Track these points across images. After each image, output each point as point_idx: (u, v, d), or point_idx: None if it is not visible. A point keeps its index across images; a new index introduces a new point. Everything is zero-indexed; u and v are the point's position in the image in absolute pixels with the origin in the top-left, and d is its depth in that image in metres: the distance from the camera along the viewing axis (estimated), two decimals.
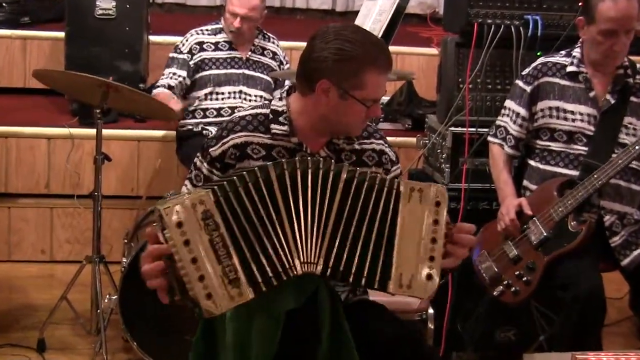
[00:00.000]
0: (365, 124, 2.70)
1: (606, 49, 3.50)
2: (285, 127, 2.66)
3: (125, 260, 3.97)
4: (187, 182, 2.74)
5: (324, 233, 2.39)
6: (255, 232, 2.33)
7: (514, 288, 3.54)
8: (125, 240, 4.15)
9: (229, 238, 2.30)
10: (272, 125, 2.67)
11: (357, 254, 2.40)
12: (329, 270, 2.39)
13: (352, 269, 2.39)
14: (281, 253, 2.35)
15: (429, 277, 2.40)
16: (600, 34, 3.48)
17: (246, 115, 2.70)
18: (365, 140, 2.75)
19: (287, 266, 2.35)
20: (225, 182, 2.33)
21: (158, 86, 4.72)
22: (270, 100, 2.76)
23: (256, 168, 2.37)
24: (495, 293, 3.59)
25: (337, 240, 2.39)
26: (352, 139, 2.73)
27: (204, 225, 2.28)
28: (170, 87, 4.69)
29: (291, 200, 2.38)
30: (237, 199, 2.32)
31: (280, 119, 2.67)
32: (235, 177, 2.35)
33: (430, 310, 3.55)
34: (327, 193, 2.40)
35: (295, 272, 2.36)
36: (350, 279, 2.41)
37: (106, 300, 3.99)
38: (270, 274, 2.33)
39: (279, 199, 2.37)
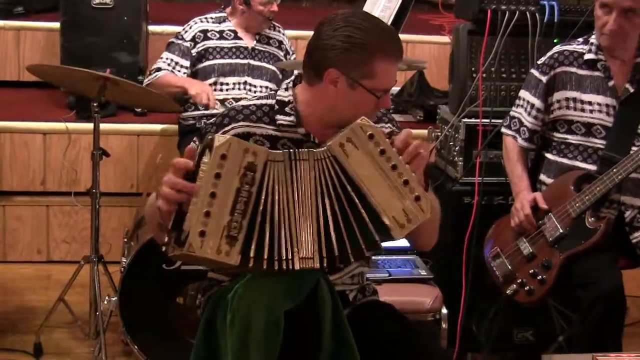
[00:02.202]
0: (375, 115, 2.64)
1: (601, 25, 3.46)
2: (292, 118, 2.59)
3: (124, 260, 3.92)
4: None
5: (311, 224, 2.35)
6: (278, 211, 2.32)
7: (528, 287, 3.49)
8: (125, 239, 4.12)
9: (254, 198, 2.29)
10: (278, 116, 2.60)
11: (344, 232, 2.35)
12: (325, 262, 2.35)
13: (347, 250, 2.36)
14: (285, 242, 2.33)
15: (417, 198, 2.37)
16: (599, 8, 3.44)
17: (250, 104, 2.64)
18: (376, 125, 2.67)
19: (286, 258, 2.32)
20: (281, 152, 2.34)
21: (160, 69, 4.61)
22: (275, 91, 2.72)
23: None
24: (508, 292, 3.54)
25: (322, 228, 2.35)
26: None
27: (242, 173, 2.28)
28: None
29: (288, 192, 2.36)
30: (278, 173, 2.33)
31: (286, 109, 2.60)
32: (289, 152, 2.35)
33: (444, 310, 3.60)
34: (307, 183, 2.37)
35: (292, 267, 2.32)
36: (351, 258, 2.38)
37: (105, 302, 3.94)
38: (265, 257, 2.30)
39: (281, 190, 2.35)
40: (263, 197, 2.30)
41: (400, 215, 2.35)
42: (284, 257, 2.31)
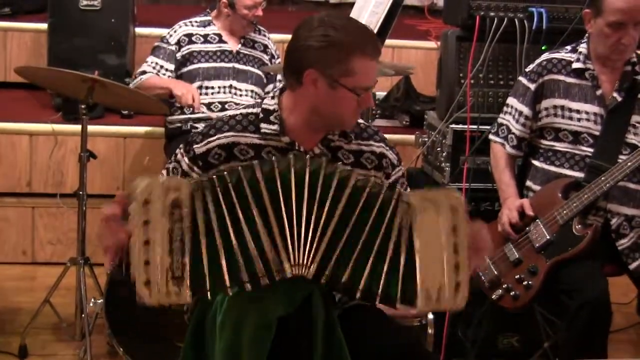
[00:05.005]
0: (359, 115, 2.64)
1: (614, 42, 3.44)
2: (276, 127, 2.61)
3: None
4: (163, 172, 2.70)
5: (321, 237, 2.34)
6: (234, 232, 2.30)
7: (513, 292, 3.50)
8: None
9: (189, 235, 2.28)
10: (262, 125, 2.62)
11: (368, 267, 2.34)
12: (324, 277, 2.35)
13: (359, 284, 2.35)
14: (268, 255, 2.32)
15: (457, 286, 2.34)
16: (608, 26, 3.42)
17: (237, 114, 2.65)
18: (365, 142, 2.70)
19: (275, 269, 2.32)
20: (205, 180, 2.32)
21: (145, 72, 4.61)
22: (263, 99, 2.71)
23: (240, 167, 2.35)
24: (493, 297, 3.55)
25: (339, 248, 2.35)
26: (349, 136, 2.67)
27: (169, 213, 2.26)
28: None
29: (282, 200, 2.34)
30: (213, 198, 2.30)
31: (271, 118, 2.62)
32: (216, 176, 2.33)
33: (430, 316, 3.56)
34: (328, 197, 2.35)
35: (283, 275, 2.33)
36: (358, 294, 2.36)
37: (91, 304, 3.92)
38: (245, 278, 2.30)
39: (265, 199, 2.34)
40: (201, 230, 2.29)
41: (434, 291, 2.33)
42: (274, 269, 2.32)
